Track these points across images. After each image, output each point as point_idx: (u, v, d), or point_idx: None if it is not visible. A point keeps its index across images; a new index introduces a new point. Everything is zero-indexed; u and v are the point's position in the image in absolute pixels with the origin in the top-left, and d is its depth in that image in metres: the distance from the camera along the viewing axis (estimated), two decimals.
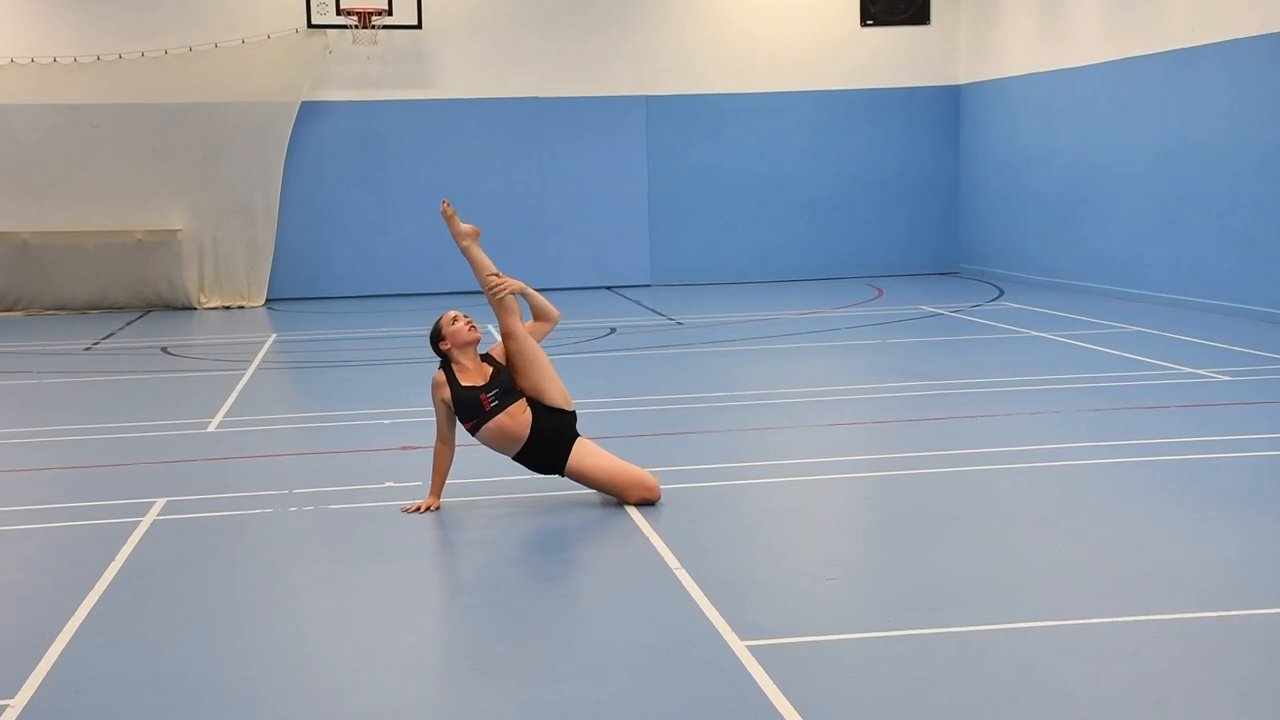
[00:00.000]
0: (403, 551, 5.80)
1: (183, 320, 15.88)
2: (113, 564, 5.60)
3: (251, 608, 5.11)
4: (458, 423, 6.45)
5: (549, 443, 6.39)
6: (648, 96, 18.27)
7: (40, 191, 16.71)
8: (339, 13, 16.86)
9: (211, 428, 8.76)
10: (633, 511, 6.25)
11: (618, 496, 6.43)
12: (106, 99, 16.76)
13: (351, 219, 17.89)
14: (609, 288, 18.27)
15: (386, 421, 8.78)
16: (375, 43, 17.11)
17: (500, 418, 6.36)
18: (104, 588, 5.29)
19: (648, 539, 5.80)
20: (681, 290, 17.74)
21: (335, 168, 17.70)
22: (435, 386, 6.46)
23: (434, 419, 6.50)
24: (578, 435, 6.48)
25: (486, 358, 6.56)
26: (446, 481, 6.50)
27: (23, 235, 16.53)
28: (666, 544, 5.69)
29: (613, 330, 13.55)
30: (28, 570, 5.70)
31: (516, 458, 6.48)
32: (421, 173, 17.95)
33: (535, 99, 18.05)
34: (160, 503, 6.63)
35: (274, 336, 14.01)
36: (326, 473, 7.29)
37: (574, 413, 6.50)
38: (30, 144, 16.61)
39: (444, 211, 6.83)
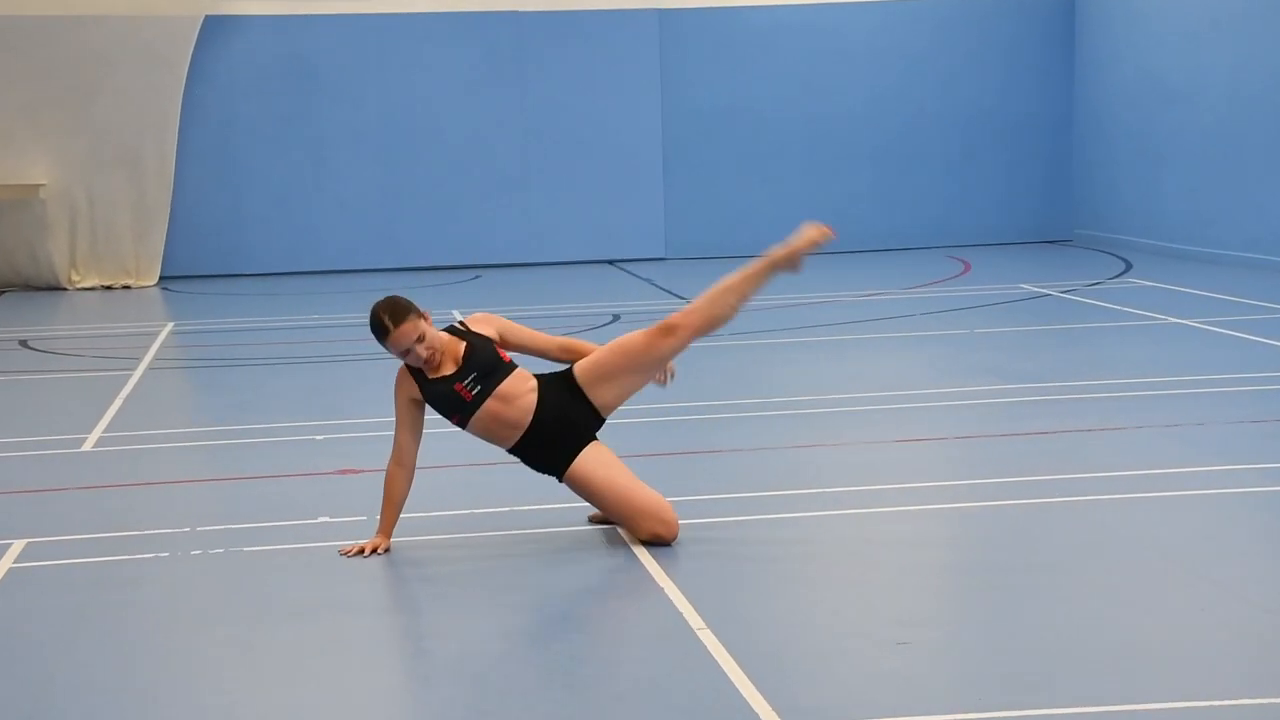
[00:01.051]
0: (342, 607, 5.80)
1: (49, 304, 15.92)
2: None
3: (140, 682, 5.11)
4: (421, 435, 6.49)
5: (555, 435, 6.47)
6: (661, 10, 18.29)
7: None
8: None
9: (87, 446, 8.78)
10: (642, 554, 6.25)
11: (624, 525, 6.45)
12: None
13: (273, 173, 17.93)
14: (612, 262, 18.28)
15: (319, 437, 8.79)
16: None
17: (489, 404, 6.44)
18: None
19: (662, 590, 5.81)
20: (704, 265, 17.72)
21: (251, 105, 17.74)
22: (399, 383, 6.51)
23: (391, 430, 6.54)
24: (595, 437, 6.51)
25: (454, 331, 6.58)
26: (400, 515, 6.52)
27: None
28: (687, 597, 5.70)
29: (616, 318, 13.56)
30: None
31: (513, 450, 6.53)
32: (366, 112, 17.98)
33: (515, 14, 18.08)
34: (18, 545, 6.64)
35: (170, 326, 14.04)
36: (240, 505, 7.30)
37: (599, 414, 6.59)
38: None
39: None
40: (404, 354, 6.44)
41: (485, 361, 6.51)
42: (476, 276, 17.31)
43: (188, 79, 17.38)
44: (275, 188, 17.94)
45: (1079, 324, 12.65)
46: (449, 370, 6.49)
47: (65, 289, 17.10)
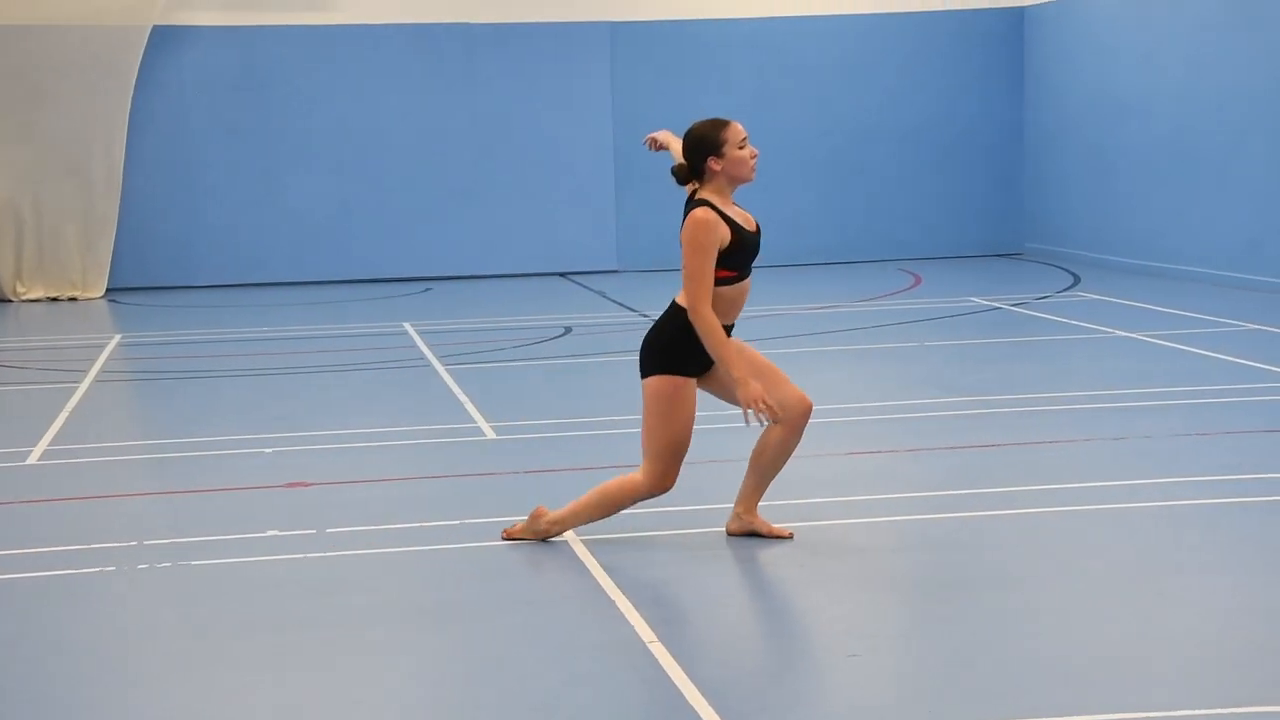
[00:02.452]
0: (291, 620, 5.78)
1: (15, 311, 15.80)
2: None
3: (89, 696, 5.09)
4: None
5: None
6: (613, 23, 18.32)
7: None
8: None
9: (32, 459, 8.73)
10: (594, 568, 6.25)
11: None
12: None
13: (223, 183, 17.85)
14: (563, 274, 18.27)
15: (268, 450, 8.76)
16: None
17: (746, 285, 6.54)
18: None
19: (613, 602, 5.81)
20: (656, 278, 17.74)
21: (201, 115, 17.66)
22: (711, 226, 6.36)
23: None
24: None
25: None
26: None
27: None
28: (637, 609, 5.70)
29: (567, 330, 13.56)
30: None
31: (679, 336, 6.42)
32: (317, 124, 17.93)
33: (466, 26, 18.07)
34: None
35: (117, 338, 13.96)
36: (189, 518, 7.26)
37: None
38: None
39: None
40: (742, 143, 6.48)
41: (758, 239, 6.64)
42: (427, 289, 17.28)
43: (136, 89, 17.28)
44: (226, 199, 17.86)
45: (1028, 337, 12.72)
46: (753, 228, 6.57)
47: (10, 300, 16.97)
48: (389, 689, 5.15)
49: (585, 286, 17.18)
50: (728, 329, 6.47)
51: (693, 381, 6.50)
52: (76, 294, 17.24)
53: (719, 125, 6.51)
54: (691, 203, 6.50)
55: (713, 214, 6.40)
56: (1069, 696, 4.83)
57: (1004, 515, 7.03)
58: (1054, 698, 4.83)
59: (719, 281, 6.41)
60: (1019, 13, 18.93)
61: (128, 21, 17.15)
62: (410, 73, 18.04)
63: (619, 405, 9.92)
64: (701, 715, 4.70)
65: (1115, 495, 7.34)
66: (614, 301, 15.70)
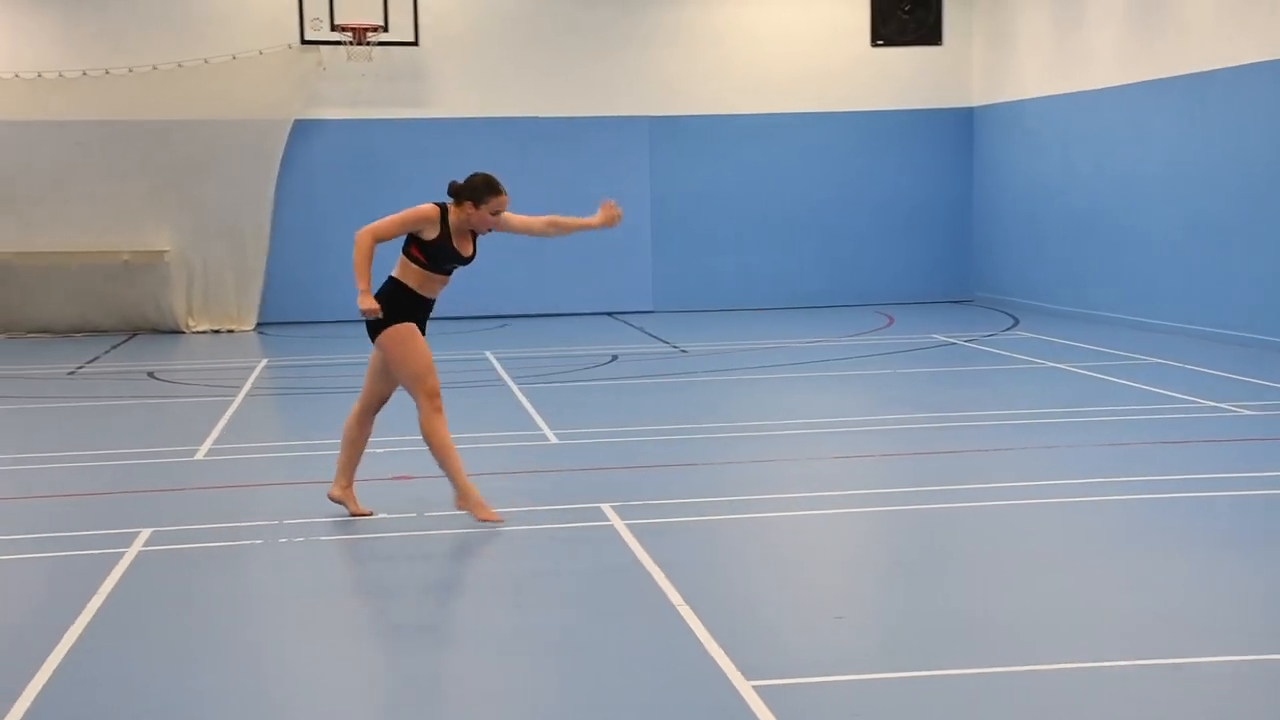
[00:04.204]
0: (395, 585, 5.81)
1: (170, 344, 15.91)
2: (96, 596, 5.61)
3: (240, 643, 5.12)
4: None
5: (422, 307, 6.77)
6: (651, 117, 18.36)
7: (24, 210, 16.77)
8: (333, 29, 16.96)
9: (199, 455, 8.78)
10: (634, 545, 6.26)
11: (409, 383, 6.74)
12: (93, 115, 16.84)
13: (344, 241, 17.68)
14: (610, 314, 18.31)
15: (379, 451, 8.79)
16: (370, 59, 17.20)
17: (443, 279, 6.81)
18: (87, 621, 5.30)
19: (649, 574, 5.82)
20: (686, 316, 17.78)
21: (328, 188, 17.77)
22: (423, 212, 6.65)
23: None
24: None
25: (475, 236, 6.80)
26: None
27: (5, 255, 16.59)
28: (670, 580, 5.71)
29: (614, 358, 13.59)
30: (7, 603, 5.71)
31: (416, 300, 6.76)
32: (416, 194, 17.78)
33: (534, 119, 18.14)
34: (146, 533, 6.64)
35: (264, 362, 14.04)
36: (318, 503, 7.30)
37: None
38: (14, 161, 16.68)
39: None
40: (495, 212, 6.66)
41: (468, 261, 6.86)
42: (504, 325, 17.33)
43: (280, 168, 17.40)
44: (345, 253, 17.77)
45: (978, 366, 12.69)
46: (467, 251, 6.74)
47: (183, 332, 17.08)
48: (466, 635, 5.17)
49: (628, 323, 17.20)
50: (426, 301, 6.82)
51: (415, 327, 6.78)
52: (233, 327, 17.33)
53: (493, 189, 6.74)
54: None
55: (437, 213, 6.66)
56: (1008, 651, 4.82)
57: (960, 507, 7.02)
58: (996, 652, 4.82)
59: (412, 258, 6.75)
60: (969, 111, 18.93)
61: (275, 116, 17.28)
62: (489, 153, 18.03)
63: (657, 416, 9.93)
64: (719, 663, 4.71)
65: (1047, 492, 7.32)
66: (651, 335, 15.72)
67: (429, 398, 6.67)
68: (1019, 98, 17.75)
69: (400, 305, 6.70)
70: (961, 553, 6.19)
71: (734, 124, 18.53)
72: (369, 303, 6.58)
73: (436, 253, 6.66)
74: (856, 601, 5.55)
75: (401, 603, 5.60)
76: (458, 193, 6.70)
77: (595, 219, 7.02)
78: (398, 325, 6.68)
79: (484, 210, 6.65)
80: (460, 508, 6.73)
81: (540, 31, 18.08)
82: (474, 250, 6.87)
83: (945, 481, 7.61)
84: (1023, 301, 17.75)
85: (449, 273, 6.83)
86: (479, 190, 6.64)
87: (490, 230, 6.77)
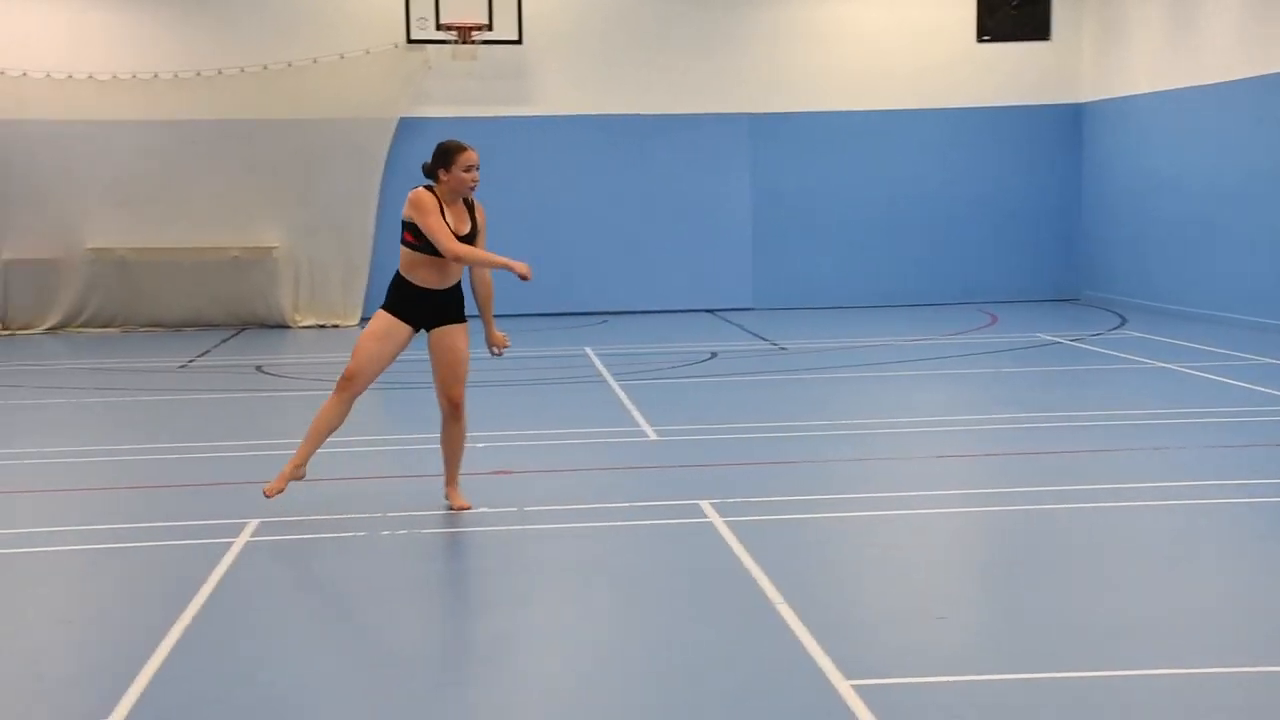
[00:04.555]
0: (495, 577, 5.86)
1: (277, 338, 16.20)
2: (205, 585, 5.74)
3: (344, 632, 5.20)
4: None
5: (453, 299, 6.78)
6: (752, 114, 18.31)
7: (139, 208, 17.19)
8: (439, 28, 17.14)
9: None
10: (732, 542, 6.26)
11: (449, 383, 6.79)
12: (205, 115, 17.21)
13: None
14: (710, 311, 18.29)
15: (480, 445, 8.87)
16: (475, 58, 17.36)
17: (433, 260, 6.70)
18: (197, 609, 5.42)
19: (748, 572, 5.80)
20: (785, 314, 17.70)
21: None
22: (421, 197, 6.62)
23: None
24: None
25: (470, 206, 6.76)
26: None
27: (120, 252, 17.02)
28: (768, 577, 5.69)
29: (713, 355, 13.57)
30: (122, 590, 5.86)
31: (407, 291, 6.75)
32: (520, 191, 18.14)
33: (637, 116, 18.17)
34: (253, 524, 6.77)
35: None
36: (420, 496, 7.39)
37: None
38: (130, 160, 17.10)
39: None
40: (467, 169, 6.63)
41: (472, 237, 6.75)
42: (604, 321, 17.40)
43: (385, 167, 17.65)
44: None
45: (1083, 366, 12.48)
46: (459, 229, 6.67)
47: (289, 327, 17.38)
48: (566, 630, 5.20)
49: (726, 320, 17.17)
50: (420, 291, 6.74)
51: (404, 326, 6.78)
52: (338, 322, 17.59)
53: (459, 147, 6.69)
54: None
55: (428, 194, 6.64)
56: (1113, 656, 4.74)
57: (1065, 508, 6.91)
58: (1101, 656, 4.74)
59: (405, 243, 6.68)
60: (1078, 108, 18.60)
61: (381, 115, 17.53)
62: (592, 151, 18.18)
63: (756, 414, 9.91)
64: (817, 661, 4.68)
65: (1154, 494, 7.18)
66: (750, 332, 15.67)
67: (343, 375, 6.85)
68: (1130, 93, 17.41)
69: (393, 293, 6.85)
70: (1066, 555, 6.09)
71: (836, 121, 18.41)
72: (522, 265, 6.66)
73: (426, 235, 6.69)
74: (958, 602, 5.48)
75: (499, 596, 5.65)
76: (431, 168, 6.75)
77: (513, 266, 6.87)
78: (378, 312, 6.87)
79: (456, 170, 6.66)
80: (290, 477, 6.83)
81: (643, 29, 18.12)
82: (473, 226, 6.77)
83: (1049, 482, 7.49)
84: (1131, 300, 17.40)
85: (438, 254, 6.72)
86: (447, 154, 6.68)
87: (472, 189, 6.67)
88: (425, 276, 6.77)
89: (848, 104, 18.40)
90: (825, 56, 18.32)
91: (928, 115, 18.47)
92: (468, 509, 6.85)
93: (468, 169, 6.65)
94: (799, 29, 18.29)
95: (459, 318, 6.90)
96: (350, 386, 6.81)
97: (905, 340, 14.48)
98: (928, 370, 12.27)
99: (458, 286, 6.89)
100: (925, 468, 8.04)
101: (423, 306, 6.81)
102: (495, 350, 7.04)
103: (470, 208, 6.81)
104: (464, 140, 6.80)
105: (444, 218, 6.64)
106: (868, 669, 4.60)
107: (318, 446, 6.90)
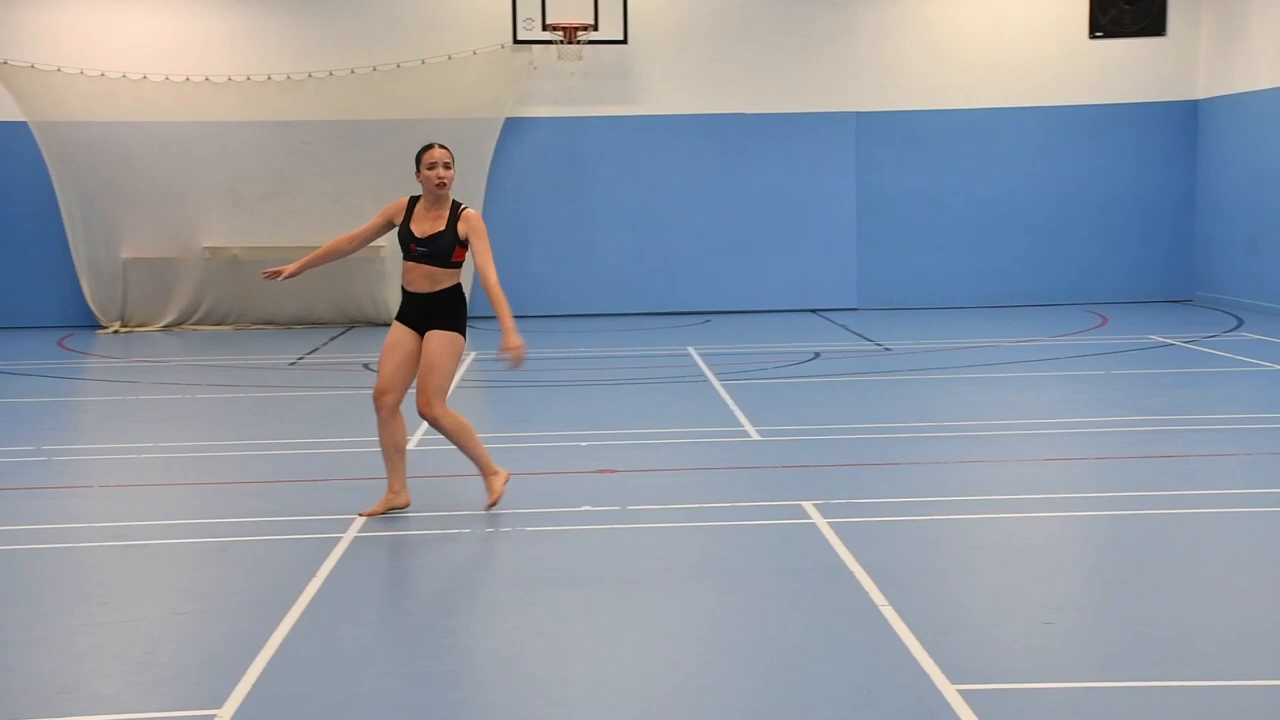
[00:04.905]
0: (600, 576, 5.89)
1: (383, 337, 16.38)
2: (314, 580, 5.83)
3: (449, 628, 5.26)
4: (371, 240, 6.99)
5: (440, 305, 6.78)
6: (858, 113, 18.18)
7: (251, 207, 17.55)
8: (545, 28, 17.26)
9: (411, 445, 9.02)
10: (836, 544, 6.22)
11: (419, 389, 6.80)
12: (316, 116, 17.51)
13: (552, 237, 18.25)
14: (813, 311, 18.19)
15: (584, 444, 8.91)
16: (580, 58, 17.45)
17: (418, 267, 6.78)
18: (306, 603, 5.52)
19: (852, 574, 5.76)
20: (890, 314, 17.55)
21: (537, 185, 18.10)
22: (391, 206, 6.91)
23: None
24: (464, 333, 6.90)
25: (454, 205, 6.81)
26: (313, 265, 7.07)
27: (233, 250, 17.38)
28: (872, 579, 5.65)
29: (816, 355, 13.49)
30: (235, 582, 5.98)
31: (402, 292, 6.91)
32: (625, 191, 18.20)
33: (741, 115, 18.14)
34: (361, 520, 6.87)
35: (473, 355, 14.36)
36: (524, 493, 7.44)
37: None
38: (243, 160, 17.46)
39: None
40: (430, 166, 6.78)
41: (439, 249, 6.74)
42: (706, 321, 17.39)
43: (491, 165, 17.82)
44: (553, 249, 18.24)
45: (1197, 369, 12.19)
46: (425, 229, 6.74)
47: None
48: (668, 630, 5.20)
49: (830, 320, 17.06)
50: (410, 295, 6.85)
51: (409, 331, 6.91)
52: None
53: (422, 149, 6.88)
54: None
55: (403, 201, 6.85)
56: (1226, 662, 4.62)
57: (1177, 514, 6.77)
58: (1216, 665, 4.63)
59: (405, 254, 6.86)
60: (1194, 105, 18.18)
61: (487, 115, 17.70)
62: (696, 151, 18.18)
63: (859, 415, 9.83)
64: (924, 667, 4.64)
65: (1271, 500, 6.99)
66: (854, 333, 15.56)
67: (373, 395, 6.97)
68: (1249, 89, 16.97)
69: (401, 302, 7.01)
70: (1178, 560, 5.96)
71: (944, 119, 18.20)
72: (513, 341, 6.76)
73: (398, 237, 6.86)
74: (1066, 608, 5.39)
75: (603, 595, 5.66)
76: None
77: (505, 340, 6.81)
78: (394, 320, 7.03)
79: (422, 169, 6.83)
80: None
81: (748, 28, 18.07)
82: (449, 231, 6.73)
83: (1162, 487, 7.34)
84: (1247, 302, 16.98)
85: (415, 257, 6.79)
86: (418, 156, 6.86)
87: (439, 187, 6.72)
88: (411, 279, 6.91)
89: (957, 102, 18.19)
90: (935, 53, 18.12)
91: (1038, 113, 18.20)
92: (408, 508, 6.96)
93: (430, 167, 6.80)
94: (908, 26, 18.12)
95: (447, 325, 6.86)
96: (384, 401, 6.92)
97: (1012, 341, 14.26)
98: (1036, 372, 12.08)
99: (449, 294, 6.85)
100: (1033, 471, 7.92)
101: (411, 308, 6.94)
102: (505, 359, 6.75)
103: (455, 214, 6.80)
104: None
105: (407, 222, 6.80)
106: (974, 673, 4.55)
107: (402, 467, 6.96)
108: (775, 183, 18.23)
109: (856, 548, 6.14)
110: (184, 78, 17.34)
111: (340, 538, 6.49)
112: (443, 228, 6.79)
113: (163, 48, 17.39)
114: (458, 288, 6.89)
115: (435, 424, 6.89)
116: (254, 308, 17.48)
